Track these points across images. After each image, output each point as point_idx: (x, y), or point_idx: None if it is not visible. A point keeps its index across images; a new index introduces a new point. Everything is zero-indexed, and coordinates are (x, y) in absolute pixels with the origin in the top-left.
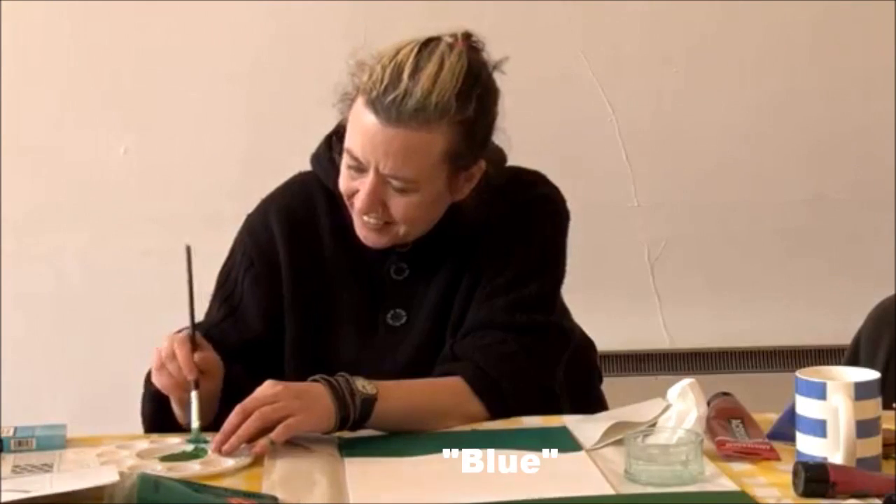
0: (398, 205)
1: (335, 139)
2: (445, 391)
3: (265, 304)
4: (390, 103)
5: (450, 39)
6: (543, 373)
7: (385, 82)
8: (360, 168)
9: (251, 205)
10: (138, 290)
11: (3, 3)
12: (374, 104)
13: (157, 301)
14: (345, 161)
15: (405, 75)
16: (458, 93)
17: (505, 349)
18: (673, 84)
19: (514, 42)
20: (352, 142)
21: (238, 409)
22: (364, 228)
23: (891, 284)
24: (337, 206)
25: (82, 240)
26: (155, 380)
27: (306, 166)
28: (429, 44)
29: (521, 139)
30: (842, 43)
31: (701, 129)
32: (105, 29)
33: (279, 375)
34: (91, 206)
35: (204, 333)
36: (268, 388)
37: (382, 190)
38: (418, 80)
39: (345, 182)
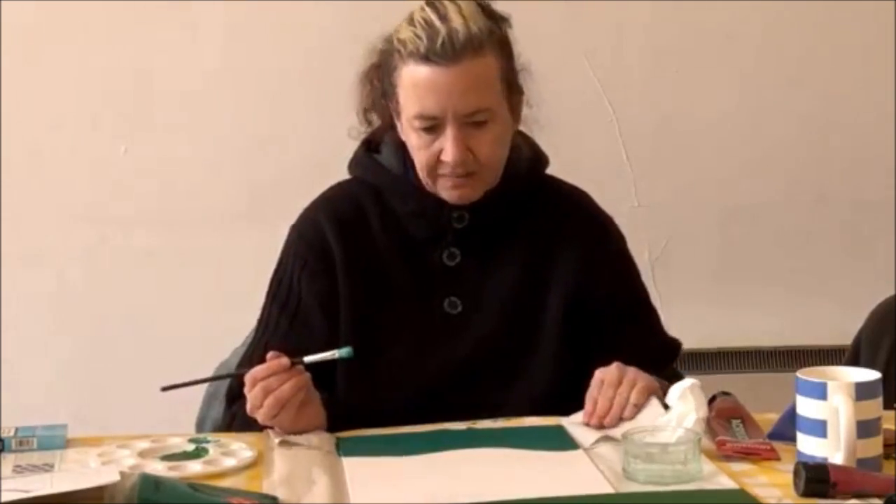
0: (482, 143)
1: (371, 143)
2: None
3: (324, 300)
4: (442, 46)
5: None
6: None
7: (425, 36)
8: (434, 126)
9: (251, 204)
10: (138, 291)
11: (2, 3)
12: (428, 56)
13: (157, 301)
14: (415, 130)
15: (437, 23)
16: (485, 15)
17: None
18: (673, 84)
19: (515, 42)
20: (419, 105)
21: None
22: (454, 188)
23: (891, 284)
24: (384, 200)
25: (82, 240)
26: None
27: (305, 165)
28: None
29: None
30: (842, 43)
31: (701, 129)
32: (105, 28)
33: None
34: (91, 206)
35: (271, 346)
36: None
37: (465, 134)
38: (450, 20)
39: (422, 152)
